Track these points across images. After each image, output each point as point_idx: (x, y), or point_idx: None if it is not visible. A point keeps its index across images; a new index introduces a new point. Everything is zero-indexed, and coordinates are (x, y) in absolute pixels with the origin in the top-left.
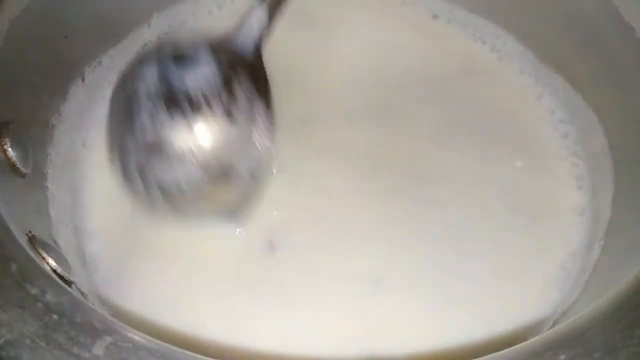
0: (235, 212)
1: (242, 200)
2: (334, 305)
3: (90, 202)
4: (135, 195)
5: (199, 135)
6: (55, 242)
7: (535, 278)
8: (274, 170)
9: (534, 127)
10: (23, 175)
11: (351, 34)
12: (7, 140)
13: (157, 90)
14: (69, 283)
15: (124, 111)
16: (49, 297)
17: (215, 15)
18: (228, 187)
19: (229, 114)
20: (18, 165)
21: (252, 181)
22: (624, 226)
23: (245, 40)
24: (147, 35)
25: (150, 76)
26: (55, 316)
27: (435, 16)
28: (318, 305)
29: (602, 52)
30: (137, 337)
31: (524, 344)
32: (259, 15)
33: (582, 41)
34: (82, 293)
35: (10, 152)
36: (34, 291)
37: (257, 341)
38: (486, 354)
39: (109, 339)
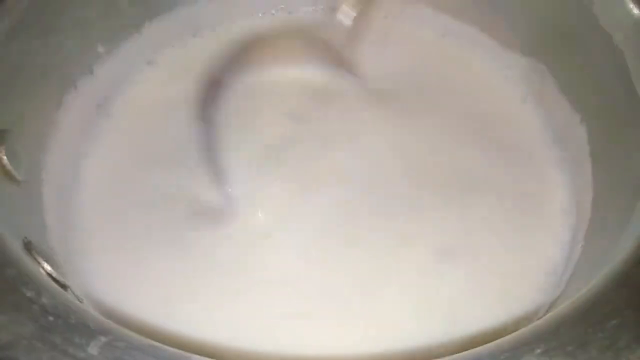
0: None
1: None
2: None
3: (83, 207)
4: None
5: None
6: (50, 247)
7: (520, 277)
8: None
9: (520, 131)
10: (18, 183)
11: None
12: (2, 148)
13: None
14: (64, 287)
15: None
16: (44, 299)
17: (207, 26)
18: None
19: None
20: (13, 172)
21: None
22: (603, 227)
23: None
24: (138, 42)
25: None
26: (50, 318)
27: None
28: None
29: (588, 62)
30: (131, 337)
31: (501, 339)
32: None
33: (567, 49)
34: (77, 297)
35: (5, 159)
36: (29, 294)
37: (250, 340)
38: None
39: (103, 339)
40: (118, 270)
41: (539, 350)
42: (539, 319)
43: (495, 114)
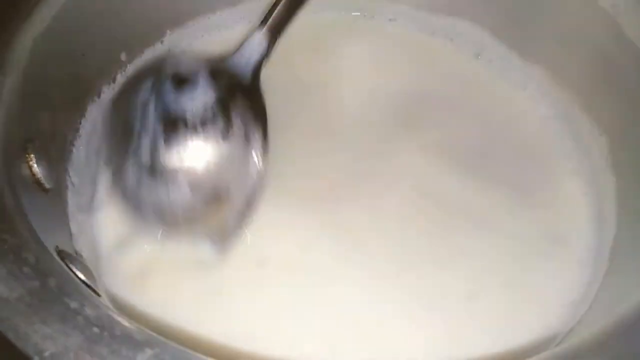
0: (224, 236)
1: (233, 224)
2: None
3: (104, 217)
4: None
5: (193, 159)
6: (78, 254)
7: (540, 300)
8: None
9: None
10: (46, 191)
11: (353, 57)
12: (32, 156)
13: (154, 112)
14: (97, 294)
15: (122, 130)
16: (88, 310)
17: (226, 34)
18: (220, 210)
19: (224, 138)
20: (42, 181)
21: (244, 206)
22: (628, 249)
23: (244, 63)
24: (160, 51)
25: (148, 97)
26: (95, 329)
27: (434, 34)
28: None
29: (609, 73)
30: (176, 349)
31: (534, 358)
32: (258, 39)
33: (587, 59)
34: (107, 305)
35: (36, 168)
36: (73, 305)
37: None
38: None
39: (149, 351)
40: (140, 277)
41: None
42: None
43: (513, 131)
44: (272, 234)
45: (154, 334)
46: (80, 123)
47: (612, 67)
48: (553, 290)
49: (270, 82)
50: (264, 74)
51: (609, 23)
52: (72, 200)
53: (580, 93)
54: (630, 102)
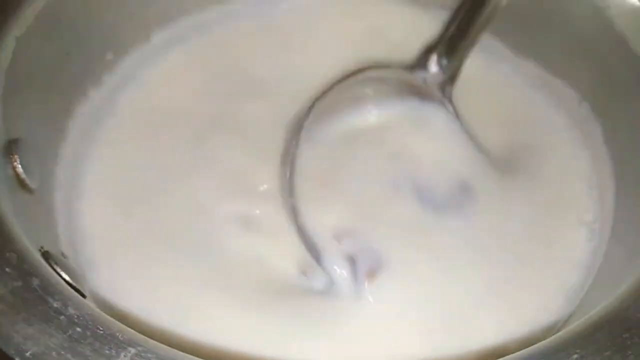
0: None
1: None
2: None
3: (91, 219)
4: None
5: None
6: (64, 255)
7: (544, 284)
8: None
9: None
10: (31, 191)
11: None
12: (16, 156)
13: None
14: (82, 296)
15: None
16: (71, 310)
17: (214, 33)
18: None
19: None
20: (27, 181)
21: None
22: (626, 232)
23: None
24: (147, 50)
25: None
26: (78, 329)
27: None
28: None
29: (602, 65)
30: (159, 348)
31: (537, 345)
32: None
33: (580, 54)
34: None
35: (20, 168)
36: (56, 305)
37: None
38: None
39: (132, 350)
40: (126, 278)
41: (575, 356)
42: (562, 326)
43: (511, 120)
44: None
45: (137, 333)
46: (66, 124)
47: (605, 59)
48: (551, 278)
49: None
50: None
51: (601, 18)
52: (59, 201)
53: (575, 86)
54: (624, 90)
